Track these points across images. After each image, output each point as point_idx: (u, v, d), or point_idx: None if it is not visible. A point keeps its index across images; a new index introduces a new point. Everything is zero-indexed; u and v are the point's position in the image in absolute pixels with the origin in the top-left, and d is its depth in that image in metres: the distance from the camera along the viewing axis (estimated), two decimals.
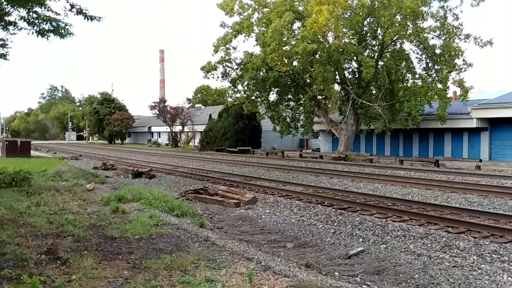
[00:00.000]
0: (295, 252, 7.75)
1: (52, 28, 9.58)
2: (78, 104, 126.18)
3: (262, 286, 5.22)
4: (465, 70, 29.91)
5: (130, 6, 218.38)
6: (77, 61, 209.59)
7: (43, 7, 9.52)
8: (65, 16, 9.71)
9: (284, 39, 29.84)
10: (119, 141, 79.66)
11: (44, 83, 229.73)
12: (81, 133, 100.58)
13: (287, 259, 7.18)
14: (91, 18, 9.69)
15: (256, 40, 33.36)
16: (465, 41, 29.80)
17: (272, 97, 38.11)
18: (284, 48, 30.34)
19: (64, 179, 16.57)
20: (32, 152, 35.07)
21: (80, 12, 9.58)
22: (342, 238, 8.77)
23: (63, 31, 9.59)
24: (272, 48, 28.73)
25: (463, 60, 29.80)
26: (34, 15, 9.68)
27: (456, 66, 29.74)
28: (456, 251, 7.65)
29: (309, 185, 16.16)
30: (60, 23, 9.57)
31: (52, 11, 9.68)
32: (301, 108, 37.42)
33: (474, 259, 7.23)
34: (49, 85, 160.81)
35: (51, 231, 7.78)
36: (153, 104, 61.86)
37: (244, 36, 33.41)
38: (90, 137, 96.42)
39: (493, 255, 7.31)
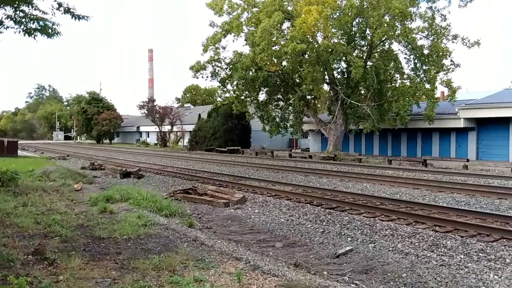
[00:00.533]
0: (284, 252, 7.76)
1: (39, 28, 9.48)
2: (66, 103, 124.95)
3: (251, 285, 5.22)
4: (452, 71, 30.21)
5: (119, 4, 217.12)
6: (65, 61, 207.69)
7: (30, 6, 9.41)
8: (52, 15, 9.61)
9: (273, 39, 29.83)
10: (107, 141, 79.12)
11: (32, 83, 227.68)
12: (69, 133, 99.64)
13: (276, 258, 7.20)
14: (79, 17, 9.60)
15: (245, 40, 33.33)
16: (453, 42, 30.12)
17: (262, 97, 38.14)
18: (273, 48, 30.35)
19: (51, 179, 16.43)
20: (19, 152, 34.74)
21: (67, 11, 9.48)
22: (330, 238, 8.80)
23: (50, 30, 9.49)
24: (262, 48, 28.72)
25: (451, 60, 30.09)
26: (21, 14, 9.56)
27: (444, 67, 29.98)
28: (444, 250, 7.72)
29: (298, 184, 16.20)
30: (47, 22, 9.47)
31: (39, 10, 9.58)
32: (290, 108, 37.43)
33: (461, 258, 7.30)
34: (37, 84, 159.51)
35: (38, 231, 7.71)
36: (142, 104, 61.60)
37: (234, 36, 33.39)
38: (78, 137, 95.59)
39: (480, 254, 7.39)
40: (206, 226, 9.74)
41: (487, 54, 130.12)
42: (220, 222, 10.24)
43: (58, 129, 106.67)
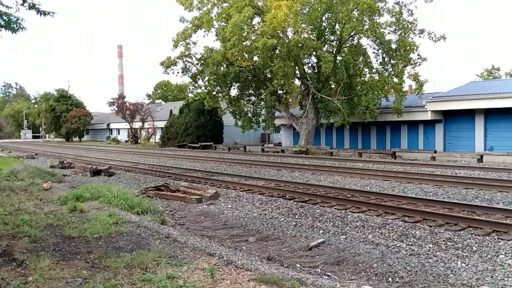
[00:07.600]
0: (257, 246, 7.79)
1: (3, 23, 9.18)
2: (33, 101, 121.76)
3: (224, 280, 5.22)
4: (419, 64, 30.90)
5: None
6: (32, 58, 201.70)
7: None
8: (16, 10, 9.32)
9: (244, 34, 29.81)
10: (77, 138, 77.66)
11: None
12: (37, 132, 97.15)
13: (249, 253, 7.22)
14: (44, 13, 9.33)
15: (216, 35, 33.20)
16: (420, 36, 30.77)
17: (233, 92, 38.18)
18: (244, 43, 30.32)
19: (19, 178, 16.00)
20: None
21: (32, 7, 9.21)
22: (303, 230, 8.88)
23: (15, 25, 9.19)
24: (232, 43, 28.65)
25: (418, 54, 30.74)
26: None
27: (411, 61, 30.61)
28: (413, 240, 7.89)
29: (271, 179, 16.28)
30: (11, 17, 9.18)
31: (3, 5, 9.28)
32: (262, 103, 37.58)
33: (430, 247, 7.47)
34: (3, 82, 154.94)
35: (6, 232, 7.52)
36: (112, 101, 60.47)
37: (204, 31, 33.20)
38: (47, 135, 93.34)
39: (448, 243, 7.58)
40: (179, 223, 9.68)
41: (453, 48, 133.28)
42: (193, 218, 10.19)
43: (26, 128, 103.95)
